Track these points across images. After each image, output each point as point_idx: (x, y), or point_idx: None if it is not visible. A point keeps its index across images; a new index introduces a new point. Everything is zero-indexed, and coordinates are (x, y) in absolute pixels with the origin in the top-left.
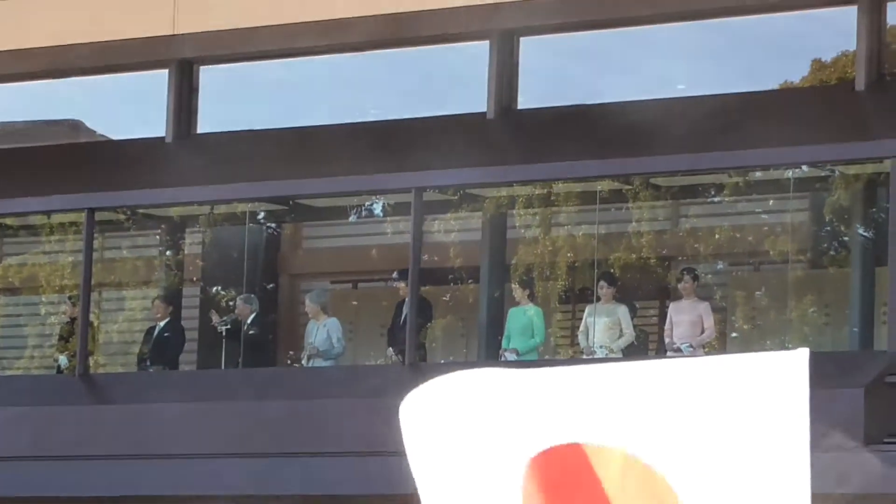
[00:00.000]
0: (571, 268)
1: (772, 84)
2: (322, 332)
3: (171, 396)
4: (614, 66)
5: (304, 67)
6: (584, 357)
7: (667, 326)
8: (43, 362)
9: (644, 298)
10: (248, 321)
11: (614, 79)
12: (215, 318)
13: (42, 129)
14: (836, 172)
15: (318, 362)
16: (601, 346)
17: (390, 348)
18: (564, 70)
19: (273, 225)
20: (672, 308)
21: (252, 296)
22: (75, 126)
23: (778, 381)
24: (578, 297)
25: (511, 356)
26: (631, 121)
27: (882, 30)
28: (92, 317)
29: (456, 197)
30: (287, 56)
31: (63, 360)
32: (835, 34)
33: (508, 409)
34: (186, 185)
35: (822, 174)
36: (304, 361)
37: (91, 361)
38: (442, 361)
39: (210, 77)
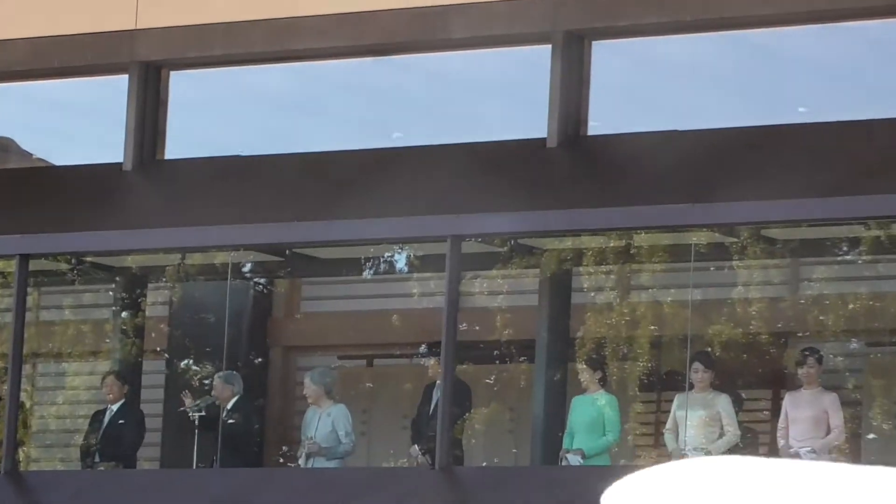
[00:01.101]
0: (656, 344)
1: None
2: (325, 422)
3: (126, 503)
4: (704, 76)
5: (306, 74)
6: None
7: (781, 424)
8: None
9: (752, 386)
10: (229, 406)
11: (704, 96)
12: (187, 402)
13: None
14: None
15: (320, 462)
16: (695, 448)
17: (415, 446)
18: (646, 84)
19: (263, 281)
20: (788, 400)
21: (234, 373)
22: (5, 146)
23: None
24: (665, 383)
25: (575, 459)
26: (727, 149)
27: None
28: (23, 396)
29: (505, 248)
30: (283, 59)
31: None
32: None
33: None
34: (149, 227)
35: None
36: (300, 460)
37: (20, 455)
38: (484, 465)
39: (182, 85)
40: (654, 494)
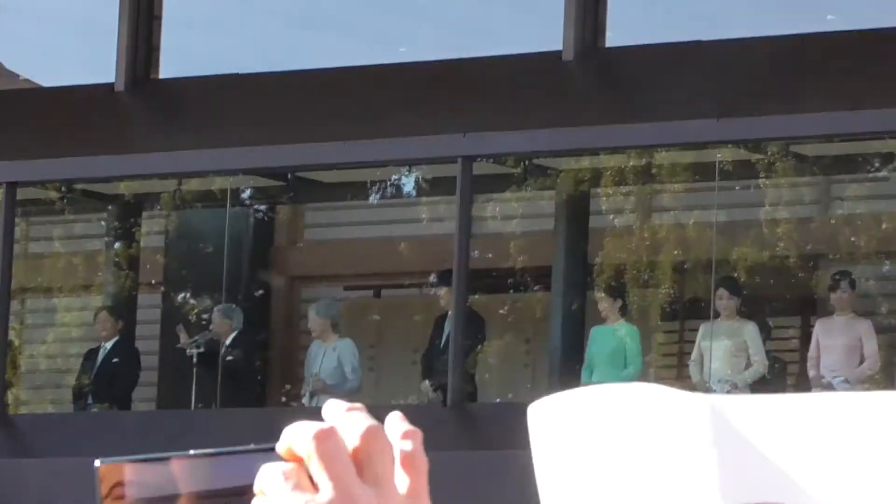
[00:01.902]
0: (679, 270)
1: None
2: (331, 357)
3: (120, 447)
4: None
5: None
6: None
7: (811, 353)
8: None
9: (781, 314)
10: (228, 342)
11: (728, 4)
12: (183, 338)
13: None
14: None
15: (325, 400)
16: (721, 380)
17: (426, 381)
18: None
19: (264, 208)
20: (819, 327)
21: (233, 307)
22: None
23: None
24: (689, 311)
25: None
26: (754, 61)
27: None
28: (11, 334)
29: (519, 170)
30: None
31: None
32: None
33: (702, 443)
34: (143, 152)
35: None
36: (304, 399)
37: (9, 397)
38: (498, 401)
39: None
40: (578, 414)
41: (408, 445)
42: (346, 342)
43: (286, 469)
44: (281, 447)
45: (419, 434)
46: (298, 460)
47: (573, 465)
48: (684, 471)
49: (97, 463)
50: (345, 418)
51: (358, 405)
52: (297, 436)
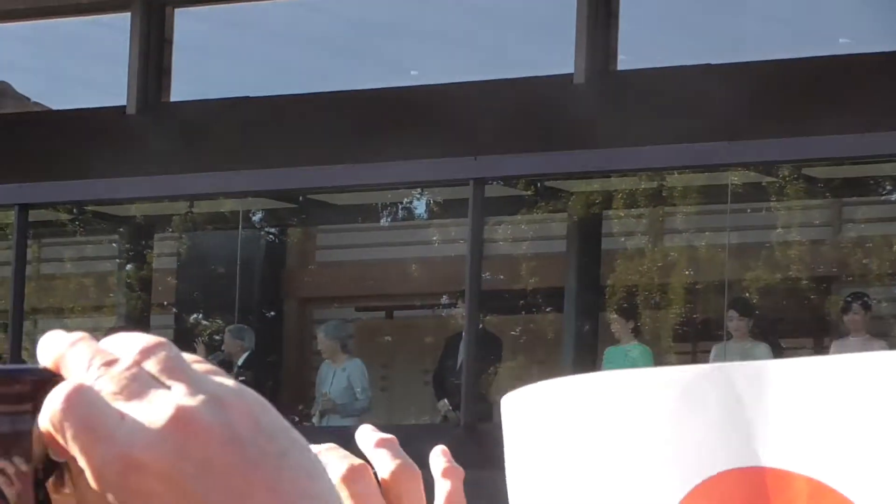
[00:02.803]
0: (691, 291)
1: None
2: (340, 377)
3: None
4: (738, 5)
5: (318, 8)
6: None
7: None
8: None
9: (793, 335)
10: (240, 362)
11: (739, 27)
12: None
13: None
14: None
15: (335, 420)
16: None
17: (444, 400)
18: (678, 14)
19: (275, 230)
20: (836, 349)
21: (244, 327)
22: (1, 91)
23: None
24: (701, 332)
25: None
26: (764, 84)
27: None
28: (24, 355)
29: (530, 192)
30: None
31: None
32: None
33: (664, 420)
34: (155, 174)
35: None
36: (314, 418)
37: None
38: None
39: (188, 23)
40: (552, 404)
41: (447, 486)
42: (356, 362)
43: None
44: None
45: (461, 473)
46: None
47: (543, 453)
48: (649, 450)
49: None
50: (375, 454)
51: (390, 437)
52: (329, 467)
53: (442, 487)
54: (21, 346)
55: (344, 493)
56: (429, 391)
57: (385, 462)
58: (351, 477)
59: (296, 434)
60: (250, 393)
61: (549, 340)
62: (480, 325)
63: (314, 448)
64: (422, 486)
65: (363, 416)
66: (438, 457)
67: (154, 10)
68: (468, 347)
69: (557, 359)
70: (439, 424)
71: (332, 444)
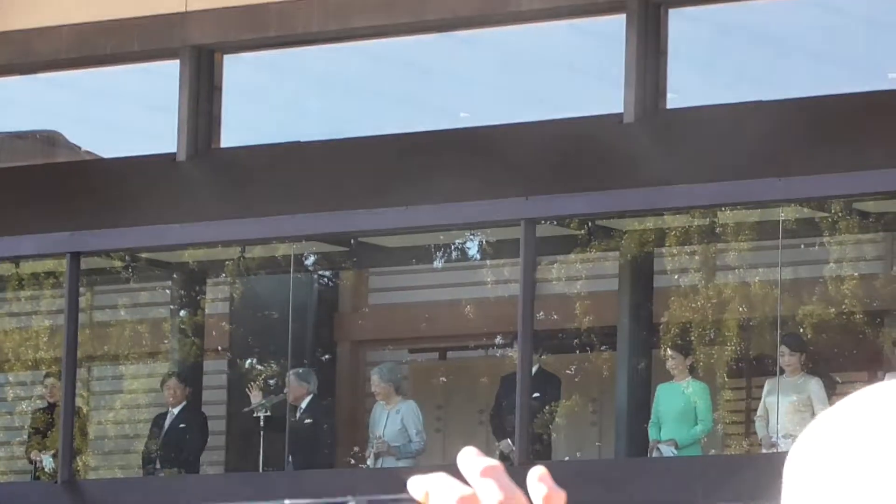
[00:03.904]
0: (745, 328)
1: None
2: (394, 419)
3: None
4: (787, 43)
5: (367, 54)
6: (764, 451)
7: None
8: (10, 465)
9: (847, 369)
10: (303, 405)
11: (788, 64)
12: (254, 400)
13: (7, 144)
14: None
15: (390, 462)
16: (786, 436)
17: (507, 440)
18: (726, 53)
19: (328, 273)
20: None
21: (309, 370)
22: (52, 139)
23: None
24: (755, 368)
25: (668, 450)
26: (814, 120)
27: None
28: (79, 402)
29: (582, 231)
30: (342, 39)
31: (48, 460)
32: None
33: None
34: (206, 220)
35: None
36: (369, 461)
37: (78, 463)
38: (567, 459)
39: (236, 69)
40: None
41: None
42: (410, 404)
43: None
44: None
45: (563, 497)
46: None
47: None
48: None
49: None
50: (482, 483)
51: (496, 465)
52: (438, 495)
53: None
54: (75, 393)
55: None
56: (484, 431)
57: (493, 492)
58: None
59: None
60: None
61: (603, 379)
62: (537, 365)
63: (423, 479)
64: None
65: (418, 457)
66: (539, 481)
67: (203, 57)
68: (521, 386)
69: (611, 396)
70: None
71: (440, 474)
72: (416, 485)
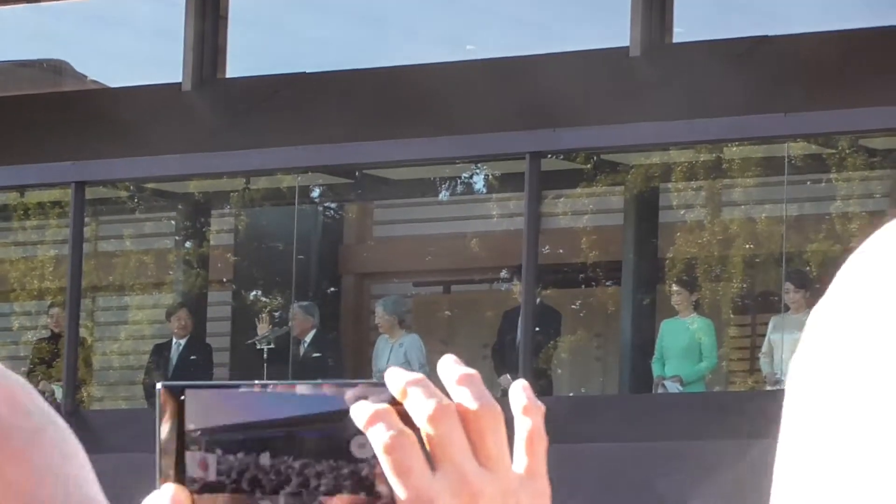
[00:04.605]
0: (750, 264)
1: None
2: (397, 353)
3: None
4: None
5: None
6: (768, 388)
7: None
8: None
9: None
10: (308, 339)
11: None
12: (261, 331)
13: (13, 73)
14: None
15: None
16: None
17: (506, 375)
18: None
19: (333, 205)
20: None
21: (313, 304)
22: (58, 68)
23: None
24: (760, 304)
25: (674, 386)
26: (821, 55)
27: None
28: (83, 332)
29: (588, 166)
30: None
31: (57, 389)
32: None
33: None
34: (212, 150)
35: None
36: None
37: (83, 394)
38: (571, 394)
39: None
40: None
41: (527, 423)
42: (413, 337)
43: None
44: (386, 397)
45: (541, 409)
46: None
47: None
48: None
49: (159, 385)
50: (458, 391)
51: (473, 373)
52: (412, 403)
53: (522, 424)
54: (79, 323)
55: (432, 432)
56: (487, 365)
57: (467, 400)
58: (437, 417)
59: (56, 417)
60: (12, 375)
61: (607, 314)
62: (538, 300)
63: (402, 375)
64: (503, 425)
65: None
66: (519, 392)
67: None
68: (525, 321)
69: (616, 331)
70: (499, 399)
71: (420, 377)
72: (395, 380)
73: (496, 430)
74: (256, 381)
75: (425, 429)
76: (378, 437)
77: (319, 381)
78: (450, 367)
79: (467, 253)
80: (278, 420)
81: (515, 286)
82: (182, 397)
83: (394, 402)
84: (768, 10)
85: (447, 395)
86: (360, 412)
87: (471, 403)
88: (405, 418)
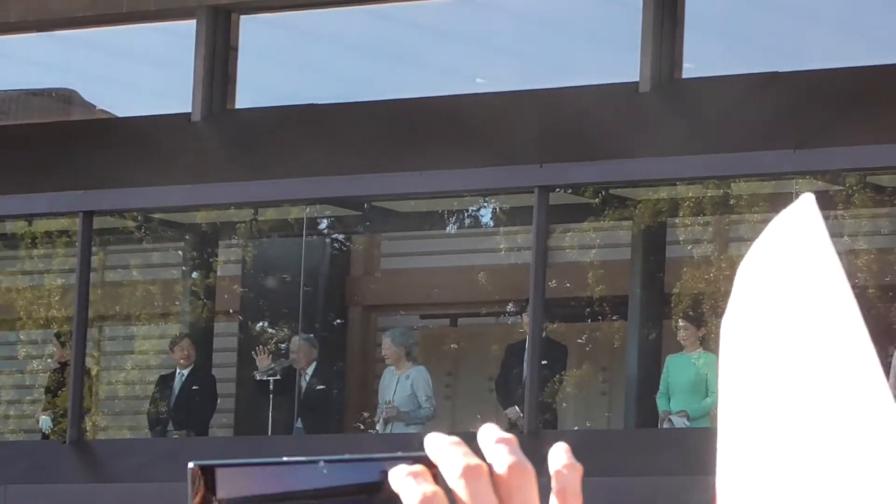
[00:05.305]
0: None
1: None
2: (404, 385)
3: None
4: (804, 14)
5: (383, 17)
6: None
7: (892, 381)
8: (20, 424)
9: None
10: (310, 371)
11: (805, 35)
12: (262, 364)
13: (23, 102)
14: None
15: (399, 427)
16: None
17: (515, 407)
18: (743, 23)
19: (340, 237)
20: None
21: (312, 337)
22: (67, 97)
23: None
24: None
25: (680, 421)
26: (830, 92)
27: None
28: (89, 362)
29: (597, 200)
30: (360, 1)
31: (45, 421)
32: None
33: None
34: (220, 181)
35: None
36: (378, 426)
37: (87, 423)
38: (576, 429)
39: (252, 30)
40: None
41: (563, 481)
42: (420, 370)
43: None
44: (416, 464)
45: (579, 470)
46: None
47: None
48: None
49: (190, 465)
50: (493, 451)
51: (510, 436)
52: (444, 463)
53: (559, 483)
54: (85, 353)
55: (461, 490)
56: (493, 398)
57: (501, 458)
58: (466, 476)
59: None
60: None
61: (614, 349)
62: (544, 333)
63: (441, 437)
64: (535, 485)
65: (428, 423)
66: (560, 453)
67: (219, 18)
68: (532, 355)
69: (622, 366)
70: (505, 429)
71: (456, 439)
72: (434, 446)
73: (524, 489)
74: (285, 458)
75: (455, 487)
76: (410, 494)
77: (346, 455)
78: (489, 431)
79: (475, 286)
80: (306, 491)
81: (522, 320)
82: (212, 474)
83: (429, 465)
84: (777, 47)
85: (482, 458)
86: (397, 472)
87: (502, 463)
88: (439, 481)
